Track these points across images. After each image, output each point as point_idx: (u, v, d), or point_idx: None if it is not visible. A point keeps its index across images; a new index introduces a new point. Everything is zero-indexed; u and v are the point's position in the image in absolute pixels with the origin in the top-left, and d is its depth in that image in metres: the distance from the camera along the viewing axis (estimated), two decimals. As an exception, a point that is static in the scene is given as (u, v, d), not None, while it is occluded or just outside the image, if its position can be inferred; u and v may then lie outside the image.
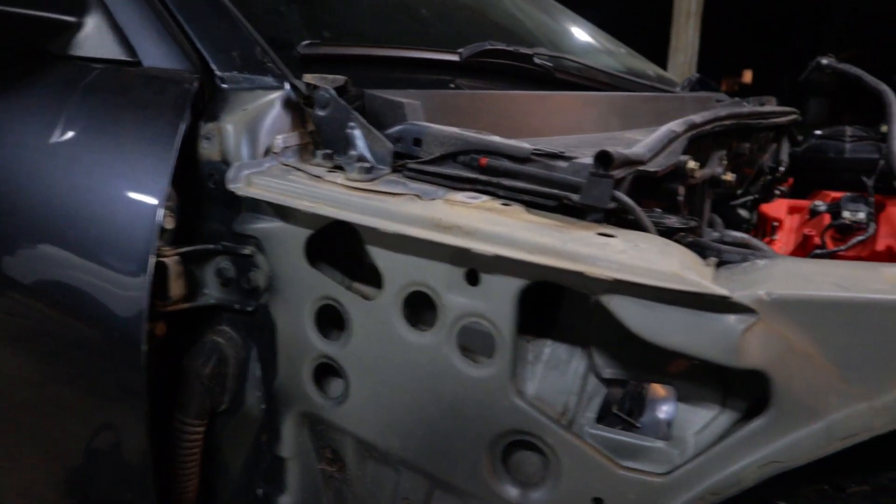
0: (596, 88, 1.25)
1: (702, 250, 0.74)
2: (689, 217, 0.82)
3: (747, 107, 1.32)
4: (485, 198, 0.75)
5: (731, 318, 0.58)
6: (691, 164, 0.88)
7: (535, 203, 0.74)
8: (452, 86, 1.04)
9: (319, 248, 0.82)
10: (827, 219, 1.22)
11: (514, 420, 0.69)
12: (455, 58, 1.06)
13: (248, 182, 0.80)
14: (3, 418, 0.97)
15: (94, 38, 0.98)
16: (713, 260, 0.67)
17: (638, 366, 0.71)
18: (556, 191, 0.72)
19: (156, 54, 0.94)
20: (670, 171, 0.87)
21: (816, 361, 0.59)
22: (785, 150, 1.42)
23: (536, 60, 1.13)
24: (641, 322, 0.61)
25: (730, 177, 1.12)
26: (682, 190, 0.89)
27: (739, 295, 0.57)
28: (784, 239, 1.26)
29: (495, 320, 0.67)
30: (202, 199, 0.86)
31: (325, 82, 0.87)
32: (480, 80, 1.10)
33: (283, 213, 0.80)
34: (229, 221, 0.84)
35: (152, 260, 0.77)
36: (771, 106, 1.37)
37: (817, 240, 1.20)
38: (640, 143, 0.80)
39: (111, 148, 0.88)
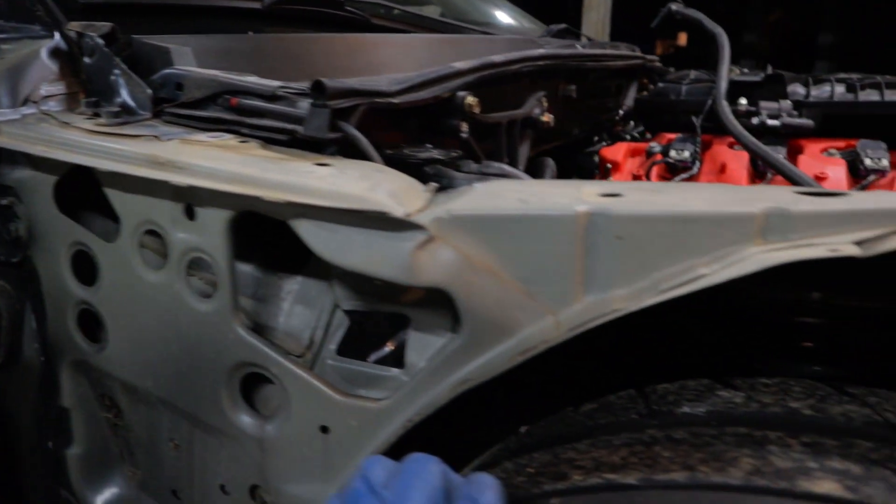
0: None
1: (438, 179, 0.75)
2: (451, 151, 0.83)
3: (578, 49, 1.32)
4: (228, 136, 0.75)
5: (404, 237, 0.59)
6: (470, 99, 0.89)
7: (275, 139, 0.74)
8: (250, 33, 1.03)
9: (83, 196, 0.82)
10: (658, 159, 1.24)
11: (241, 352, 0.69)
12: (257, 5, 1.05)
13: (-6, 130, 0.78)
14: None
15: None
16: (433, 186, 0.68)
17: (374, 297, 0.72)
18: (287, 125, 0.72)
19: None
20: (443, 106, 0.88)
21: (500, 278, 0.59)
22: (631, 94, 1.43)
23: (348, 7, 1.12)
24: (323, 244, 0.61)
25: (548, 118, 1.13)
26: (464, 126, 0.90)
27: (411, 212, 0.58)
28: (619, 180, 1.27)
29: (212, 253, 0.67)
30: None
31: (91, 30, 0.85)
32: (292, 29, 1.09)
33: (33, 161, 0.79)
34: (-9, 173, 0.83)
35: None
36: (612, 50, 1.37)
37: (644, 179, 1.22)
38: (393, 77, 0.80)
39: None
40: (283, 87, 0.77)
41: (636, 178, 1.25)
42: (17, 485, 0.95)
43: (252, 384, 0.74)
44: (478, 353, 0.61)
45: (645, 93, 1.46)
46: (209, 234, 0.67)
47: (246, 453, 0.73)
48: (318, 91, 0.68)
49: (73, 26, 0.86)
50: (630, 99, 1.42)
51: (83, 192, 0.80)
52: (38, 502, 0.95)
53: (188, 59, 0.87)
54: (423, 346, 0.71)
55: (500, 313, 0.60)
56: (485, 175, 0.79)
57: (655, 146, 1.27)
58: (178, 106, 0.81)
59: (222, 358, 0.70)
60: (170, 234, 0.70)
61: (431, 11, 1.87)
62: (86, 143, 0.72)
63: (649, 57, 1.52)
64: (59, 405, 0.87)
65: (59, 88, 0.85)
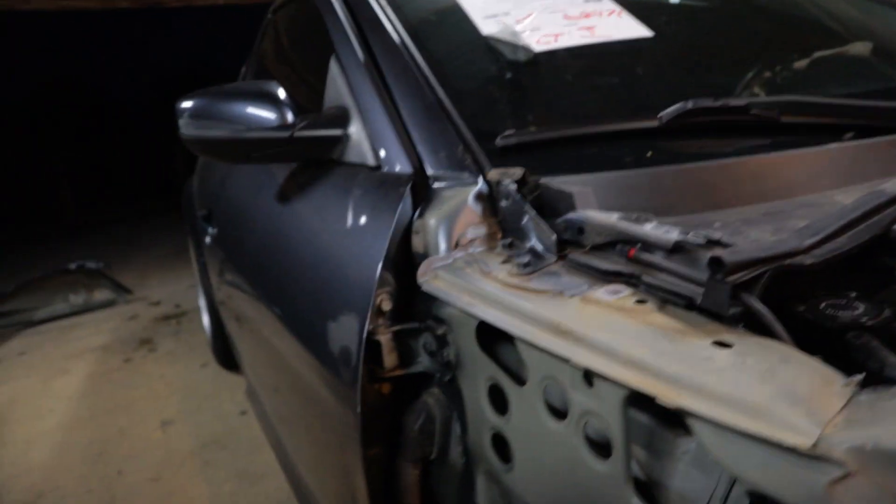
0: (846, 128, 1.07)
1: (865, 359, 0.64)
2: (884, 305, 0.70)
3: None
4: (626, 292, 0.77)
5: (814, 466, 0.52)
6: (910, 237, 0.75)
7: (670, 300, 0.73)
8: (650, 153, 1.03)
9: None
10: None
11: (633, 521, 0.70)
12: (655, 124, 1.05)
13: (434, 276, 0.95)
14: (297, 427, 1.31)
15: (355, 148, 1.25)
16: (854, 381, 0.58)
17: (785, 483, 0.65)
18: (685, 288, 0.71)
19: (390, 159, 1.16)
20: (878, 244, 0.76)
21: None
22: None
23: (754, 111, 1.04)
24: (719, 450, 0.58)
25: None
26: (903, 266, 0.76)
27: (821, 434, 0.51)
28: None
29: (609, 423, 0.70)
30: (416, 285, 1.04)
31: (506, 176, 0.97)
32: (690, 140, 1.07)
33: (461, 302, 0.93)
34: (431, 304, 1.01)
35: (363, 336, 0.98)
36: None
37: None
38: (803, 225, 0.72)
39: (356, 244, 1.12)
40: (681, 241, 0.76)
41: None
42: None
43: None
44: None
45: None
46: (605, 404, 0.70)
47: None
48: (717, 267, 0.65)
49: (492, 175, 0.99)
50: None
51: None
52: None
53: (590, 201, 0.92)
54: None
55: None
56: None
57: None
58: (580, 252, 0.86)
59: (614, 519, 0.72)
60: (569, 393, 0.75)
61: (861, 50, 1.63)
62: (499, 299, 0.82)
63: None
64: (475, 503, 1.00)
65: (481, 231, 0.99)
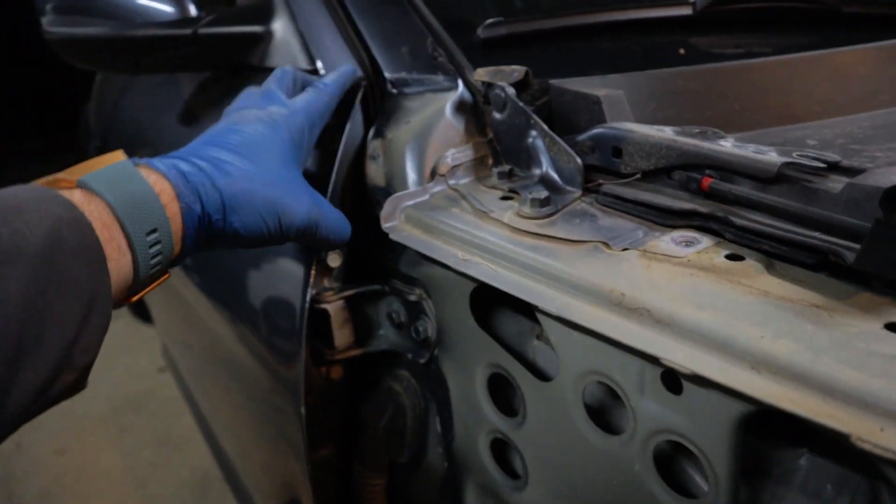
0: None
1: None
2: None
3: None
4: (705, 242, 0.52)
5: None
6: None
7: (783, 254, 0.48)
8: (682, 51, 0.76)
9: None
10: None
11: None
12: (687, 11, 0.78)
13: (405, 219, 0.66)
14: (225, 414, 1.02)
15: (281, 48, 0.93)
16: None
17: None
18: (815, 237, 0.46)
19: (330, 60, 0.84)
20: None
21: None
22: None
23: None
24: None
25: None
26: None
27: None
28: None
29: (703, 448, 0.45)
30: (374, 229, 0.76)
31: (500, 77, 0.68)
32: (731, 36, 0.80)
33: (446, 257, 0.65)
34: (398, 259, 0.73)
35: (305, 304, 0.70)
36: None
37: None
38: None
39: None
40: (791, 163, 0.51)
41: None
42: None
43: None
44: None
45: None
46: (701, 422, 0.45)
47: None
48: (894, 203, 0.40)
49: (480, 75, 0.70)
50: None
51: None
52: None
53: (622, 110, 0.65)
54: None
55: None
56: None
57: None
58: (616, 183, 0.60)
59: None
60: (632, 400, 0.49)
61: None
62: (511, 255, 0.55)
63: None
64: (463, 519, 0.76)
65: (466, 154, 0.71)
